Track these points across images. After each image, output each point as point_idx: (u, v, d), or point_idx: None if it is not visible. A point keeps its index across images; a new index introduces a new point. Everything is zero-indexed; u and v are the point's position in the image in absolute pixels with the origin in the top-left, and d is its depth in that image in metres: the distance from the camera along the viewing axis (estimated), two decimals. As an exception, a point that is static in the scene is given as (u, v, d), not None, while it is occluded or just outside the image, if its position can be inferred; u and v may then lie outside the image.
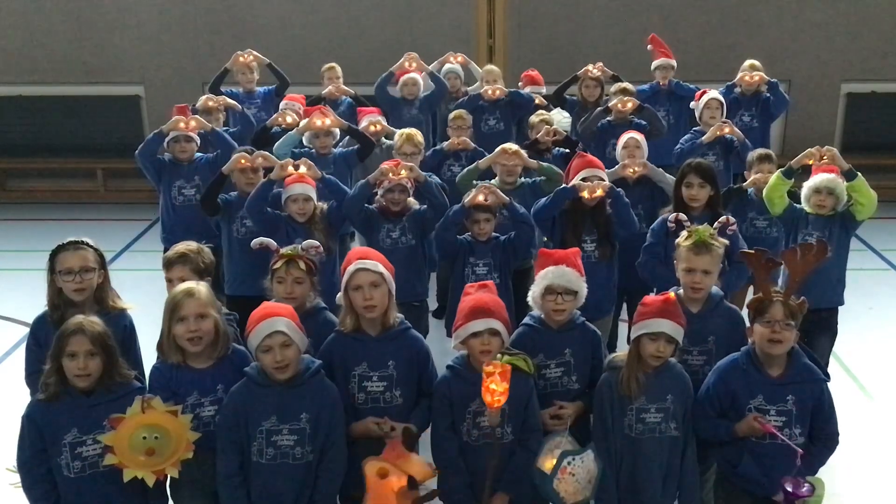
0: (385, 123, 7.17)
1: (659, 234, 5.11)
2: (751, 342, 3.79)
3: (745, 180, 6.10)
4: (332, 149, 6.61)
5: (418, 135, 6.26)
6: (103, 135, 11.16)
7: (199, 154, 6.42)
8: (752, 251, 3.90)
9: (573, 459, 3.62)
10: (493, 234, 5.19)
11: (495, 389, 3.49)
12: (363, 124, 6.99)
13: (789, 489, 3.53)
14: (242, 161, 5.61)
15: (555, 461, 3.62)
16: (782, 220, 5.42)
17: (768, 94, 7.78)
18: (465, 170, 5.92)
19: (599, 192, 5.09)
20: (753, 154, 6.10)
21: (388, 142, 7.06)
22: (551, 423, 3.93)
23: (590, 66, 7.78)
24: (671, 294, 3.85)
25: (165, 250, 6.06)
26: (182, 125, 6.18)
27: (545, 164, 5.91)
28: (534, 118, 6.90)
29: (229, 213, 5.68)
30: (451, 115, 7.03)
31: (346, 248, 6.08)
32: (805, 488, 3.52)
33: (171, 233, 6.25)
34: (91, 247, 4.11)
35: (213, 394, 3.67)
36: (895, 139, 11.12)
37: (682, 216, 4.91)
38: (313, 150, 6.55)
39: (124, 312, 4.20)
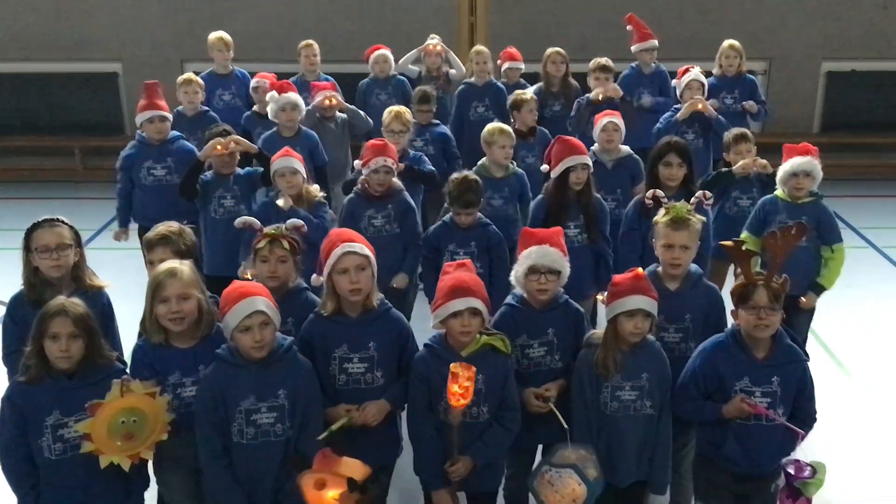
0: (340, 98, 7.17)
1: (633, 218, 5.13)
2: (735, 324, 3.81)
3: (724, 161, 6.12)
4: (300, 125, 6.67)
5: (407, 112, 6.23)
6: (81, 113, 11.06)
7: (175, 133, 6.38)
8: (732, 242, 3.92)
9: (550, 469, 3.65)
10: (480, 218, 5.16)
11: (457, 392, 3.52)
12: (318, 99, 6.98)
13: (791, 472, 3.55)
14: (219, 147, 5.61)
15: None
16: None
17: (751, 76, 7.77)
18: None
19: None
20: (729, 134, 6.10)
21: (343, 116, 7.09)
22: (536, 405, 3.94)
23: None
24: (639, 270, 3.86)
25: (140, 228, 6.07)
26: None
27: None
28: (519, 95, 6.83)
29: (206, 194, 5.66)
30: (417, 95, 6.98)
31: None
32: (806, 471, 3.54)
33: (142, 208, 6.29)
34: (66, 224, 4.10)
35: (195, 374, 3.65)
36: (875, 118, 11.17)
37: (659, 192, 4.89)
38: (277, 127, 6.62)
39: (101, 291, 4.19)
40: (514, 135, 5.93)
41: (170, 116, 6.35)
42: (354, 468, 3.43)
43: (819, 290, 5.32)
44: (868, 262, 8.32)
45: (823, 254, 5.33)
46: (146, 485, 3.76)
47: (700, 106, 6.70)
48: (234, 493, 3.55)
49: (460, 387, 3.52)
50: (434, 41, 8.14)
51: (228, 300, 3.53)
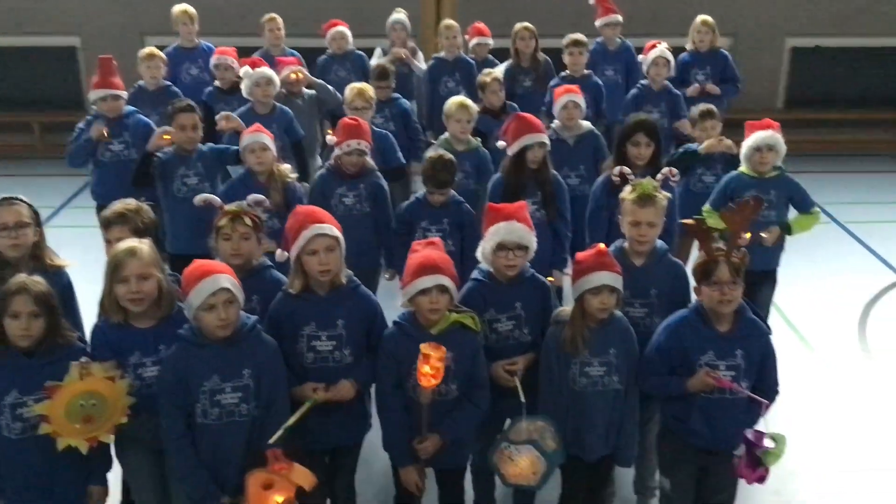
0: (307, 72, 7.10)
1: (600, 196, 5.12)
2: (698, 299, 3.83)
3: (687, 137, 6.14)
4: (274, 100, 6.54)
5: (370, 89, 6.15)
6: (39, 88, 10.87)
7: (130, 108, 6.26)
8: (692, 220, 3.94)
9: (509, 446, 3.67)
10: (454, 195, 5.11)
11: (428, 372, 3.51)
12: (284, 73, 6.89)
13: (752, 440, 3.59)
14: (164, 137, 5.55)
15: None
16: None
17: (724, 51, 7.80)
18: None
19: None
20: (696, 110, 6.09)
21: (310, 92, 7.02)
22: (504, 378, 3.94)
23: None
24: (601, 246, 3.87)
25: (98, 206, 5.97)
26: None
27: None
28: (483, 77, 6.78)
29: (168, 173, 5.57)
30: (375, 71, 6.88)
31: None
32: (767, 442, 3.58)
33: (99, 185, 6.17)
34: (25, 202, 4.03)
35: (155, 354, 3.60)
36: (839, 94, 11.28)
37: (626, 169, 4.86)
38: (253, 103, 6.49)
39: (62, 271, 4.12)
40: (474, 110, 5.86)
41: (123, 95, 6.20)
42: (304, 477, 3.41)
43: (786, 228, 5.34)
44: (830, 237, 8.41)
45: None
46: (109, 466, 3.72)
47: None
48: (198, 474, 3.52)
49: (431, 367, 3.51)
50: (400, 16, 8.05)
51: (191, 279, 3.46)
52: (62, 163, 6.30)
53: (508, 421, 4.03)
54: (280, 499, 3.32)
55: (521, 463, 3.66)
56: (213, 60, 7.28)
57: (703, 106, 6.12)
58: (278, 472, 3.37)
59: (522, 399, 3.75)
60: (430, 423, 3.74)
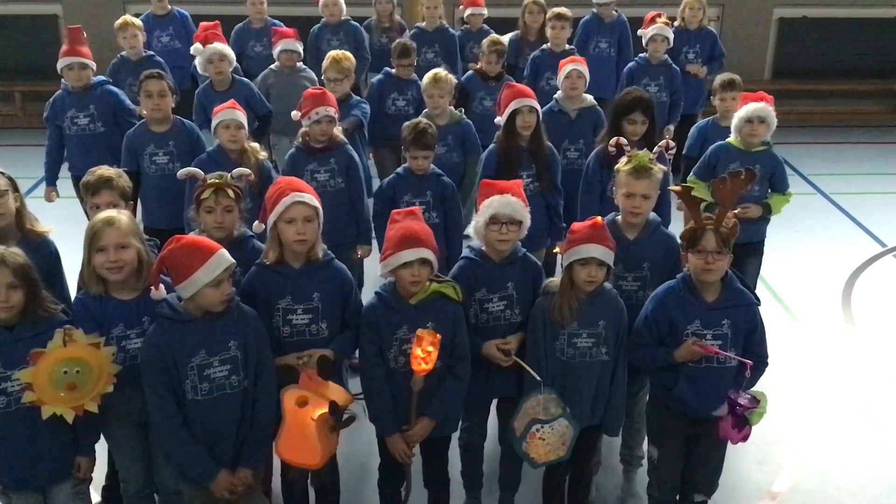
0: (300, 50, 6.91)
1: (594, 169, 5.09)
2: (685, 269, 3.83)
3: (694, 118, 6.14)
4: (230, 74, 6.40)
5: (346, 59, 5.97)
6: (20, 56, 10.72)
7: (99, 78, 6.13)
8: (681, 186, 3.92)
9: (541, 427, 3.66)
10: (434, 168, 5.07)
11: (419, 356, 3.50)
12: (277, 49, 6.73)
13: (735, 400, 3.61)
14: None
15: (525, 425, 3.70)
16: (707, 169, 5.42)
17: (711, 28, 7.79)
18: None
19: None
20: (718, 80, 6.01)
21: (309, 71, 6.88)
22: (499, 357, 3.92)
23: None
24: (598, 219, 3.85)
25: (74, 177, 5.87)
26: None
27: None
28: (486, 42, 6.72)
29: (136, 149, 5.46)
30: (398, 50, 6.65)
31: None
32: (749, 401, 3.61)
33: (72, 157, 6.07)
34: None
35: (138, 325, 3.56)
36: (826, 64, 11.28)
37: (623, 140, 4.79)
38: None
39: (48, 240, 4.06)
40: (448, 83, 5.76)
41: (91, 64, 6.05)
42: (338, 393, 3.44)
43: (766, 207, 5.32)
44: (815, 208, 8.44)
45: None
46: (96, 437, 3.70)
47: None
48: (194, 452, 3.48)
49: (423, 350, 3.50)
50: None
51: (198, 255, 3.36)
52: (44, 133, 6.22)
53: (496, 401, 4.05)
54: (316, 415, 3.34)
55: (551, 439, 3.67)
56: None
57: (726, 76, 6.04)
58: (313, 389, 3.39)
59: (537, 377, 3.75)
60: (419, 408, 3.74)
